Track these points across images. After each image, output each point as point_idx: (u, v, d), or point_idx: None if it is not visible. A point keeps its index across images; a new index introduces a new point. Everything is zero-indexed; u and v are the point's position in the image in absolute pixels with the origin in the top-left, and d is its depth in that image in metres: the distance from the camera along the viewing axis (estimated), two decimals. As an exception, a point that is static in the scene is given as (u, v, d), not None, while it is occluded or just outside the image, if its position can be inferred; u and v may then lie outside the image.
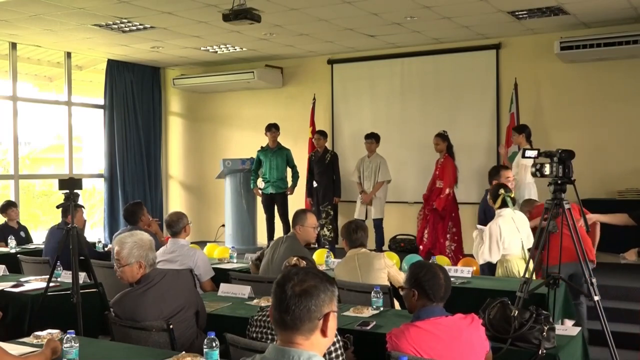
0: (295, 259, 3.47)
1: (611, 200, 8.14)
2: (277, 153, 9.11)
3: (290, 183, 9.16)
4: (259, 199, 9.41)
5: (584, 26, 8.30)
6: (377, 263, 4.67)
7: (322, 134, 9.12)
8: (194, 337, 3.68)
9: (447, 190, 7.84)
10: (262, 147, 9.21)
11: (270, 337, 3.18)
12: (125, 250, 3.62)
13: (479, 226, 5.59)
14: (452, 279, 5.00)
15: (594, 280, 4.03)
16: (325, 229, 8.91)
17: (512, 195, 5.38)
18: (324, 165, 8.98)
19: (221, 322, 3.87)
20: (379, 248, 8.40)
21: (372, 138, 8.67)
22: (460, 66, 9.33)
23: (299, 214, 5.20)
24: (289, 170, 9.18)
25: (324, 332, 1.96)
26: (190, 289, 3.84)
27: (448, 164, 7.91)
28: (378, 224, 8.47)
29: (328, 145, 9.33)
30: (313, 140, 9.27)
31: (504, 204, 5.29)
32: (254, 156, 9.41)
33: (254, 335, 3.27)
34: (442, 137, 7.97)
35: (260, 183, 9.14)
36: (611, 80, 8.45)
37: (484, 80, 9.20)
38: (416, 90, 9.66)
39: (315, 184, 9.11)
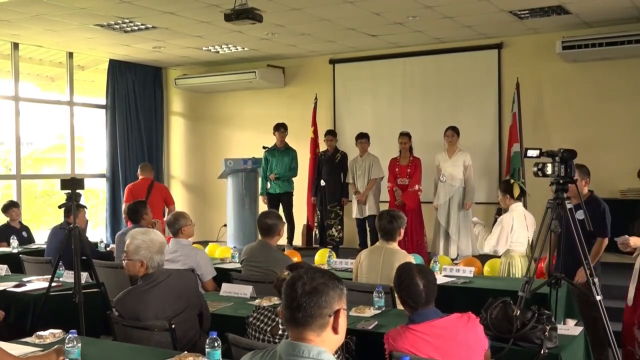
0: (286, 273, 3.36)
1: (613, 199, 8.11)
2: (284, 153, 9.10)
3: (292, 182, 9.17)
4: (260, 198, 9.40)
5: (586, 26, 8.29)
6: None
7: (332, 134, 9.10)
8: (197, 338, 3.68)
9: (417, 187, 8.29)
10: (268, 147, 9.19)
11: (266, 341, 3.18)
12: (133, 246, 3.67)
13: (475, 219, 5.73)
14: (453, 279, 5.10)
15: (596, 280, 4.02)
16: (333, 229, 8.91)
17: (524, 181, 5.51)
18: (334, 164, 8.98)
19: (223, 322, 3.87)
20: None
21: (366, 138, 8.70)
22: (462, 66, 9.33)
23: (270, 225, 4.92)
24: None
25: (335, 329, 2.02)
26: (193, 290, 3.83)
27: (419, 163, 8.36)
28: (373, 222, 8.46)
29: (330, 144, 9.31)
30: (324, 141, 9.23)
31: (522, 191, 5.44)
32: (256, 156, 9.39)
33: (251, 337, 3.27)
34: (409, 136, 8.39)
35: (267, 183, 9.14)
36: (613, 79, 8.44)
37: (486, 80, 9.19)
38: (418, 90, 9.66)
39: (322, 183, 9.10)
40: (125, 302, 3.62)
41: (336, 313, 2.01)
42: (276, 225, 4.96)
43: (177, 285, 3.69)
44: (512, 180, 5.59)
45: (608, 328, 3.97)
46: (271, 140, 9.23)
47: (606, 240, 4.86)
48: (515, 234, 5.37)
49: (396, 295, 3.13)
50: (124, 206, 8.58)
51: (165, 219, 5.54)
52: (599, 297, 4.00)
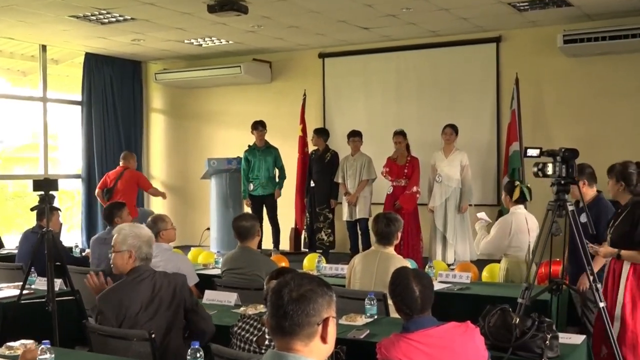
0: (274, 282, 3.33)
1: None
2: (265, 152, 9.10)
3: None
4: (244, 202, 9.38)
5: (588, 18, 8.33)
6: None
7: (318, 132, 9.07)
8: (179, 346, 3.65)
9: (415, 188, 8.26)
10: (249, 147, 9.18)
11: (252, 352, 3.17)
12: (120, 237, 3.75)
13: (480, 214, 5.70)
14: (449, 285, 5.11)
15: (599, 285, 4.04)
16: (322, 233, 8.89)
17: (529, 186, 5.47)
18: (323, 164, 8.96)
19: (206, 332, 3.86)
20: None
21: (359, 136, 8.68)
22: (458, 60, 9.35)
23: (247, 228, 4.94)
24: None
25: (323, 339, 2.00)
26: (179, 290, 3.76)
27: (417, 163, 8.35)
28: (364, 225, 8.47)
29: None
30: (311, 140, 9.22)
31: (522, 195, 5.41)
32: (241, 155, 9.38)
33: (235, 348, 3.26)
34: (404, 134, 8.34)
35: (249, 185, 9.12)
36: (616, 75, 8.49)
37: (484, 75, 9.21)
38: (412, 85, 9.67)
39: (312, 184, 9.08)
40: (109, 298, 3.64)
41: (325, 321, 2.00)
42: (254, 227, 4.98)
43: (162, 285, 3.69)
44: (516, 182, 5.57)
45: (611, 335, 3.99)
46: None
47: None
48: (515, 238, 5.37)
49: (390, 301, 3.13)
50: (97, 191, 9.22)
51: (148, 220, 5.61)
52: (602, 304, 4.02)
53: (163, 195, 9.54)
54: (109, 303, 3.62)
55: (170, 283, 3.74)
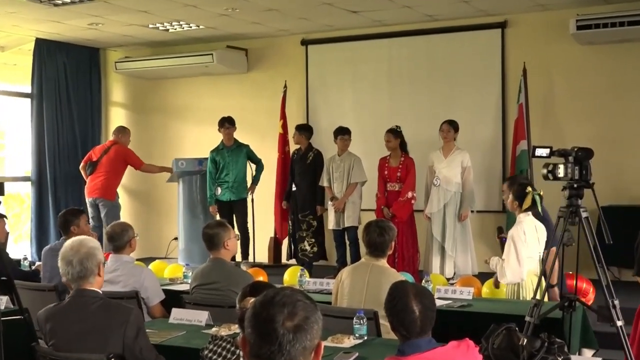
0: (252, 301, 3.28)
1: (636, 207, 8.21)
2: (234, 152, 9.09)
3: (250, 184, 9.25)
4: (210, 209, 9.33)
5: (604, 2, 8.39)
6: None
7: (299, 128, 9.06)
8: None
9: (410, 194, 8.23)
10: (215, 147, 9.16)
11: None
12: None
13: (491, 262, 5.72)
14: (449, 302, 5.13)
15: (616, 302, 4.07)
16: (305, 243, 8.87)
17: (542, 194, 5.49)
18: (305, 165, 8.95)
19: (173, 355, 3.86)
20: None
21: (347, 134, 8.65)
22: (459, 48, 9.39)
23: (218, 232, 4.97)
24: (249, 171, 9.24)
25: None
26: (116, 335, 3.56)
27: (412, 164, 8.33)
28: (353, 235, 8.46)
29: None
30: (292, 137, 9.22)
31: (534, 204, 5.42)
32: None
33: None
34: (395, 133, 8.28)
35: (217, 189, 9.09)
36: (635, 65, 8.54)
37: (487, 65, 9.26)
38: (406, 77, 9.70)
39: (294, 187, 9.07)
40: (42, 322, 3.65)
41: (317, 349, 1.97)
42: (218, 235, 4.96)
43: (96, 320, 3.59)
44: (528, 188, 5.56)
45: (629, 356, 4.02)
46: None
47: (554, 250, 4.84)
48: (529, 247, 5.38)
49: (382, 320, 3.13)
50: (81, 165, 9.75)
51: (106, 229, 5.58)
52: (619, 323, 4.05)
53: (164, 169, 9.85)
54: (46, 325, 3.64)
55: (107, 322, 3.57)
